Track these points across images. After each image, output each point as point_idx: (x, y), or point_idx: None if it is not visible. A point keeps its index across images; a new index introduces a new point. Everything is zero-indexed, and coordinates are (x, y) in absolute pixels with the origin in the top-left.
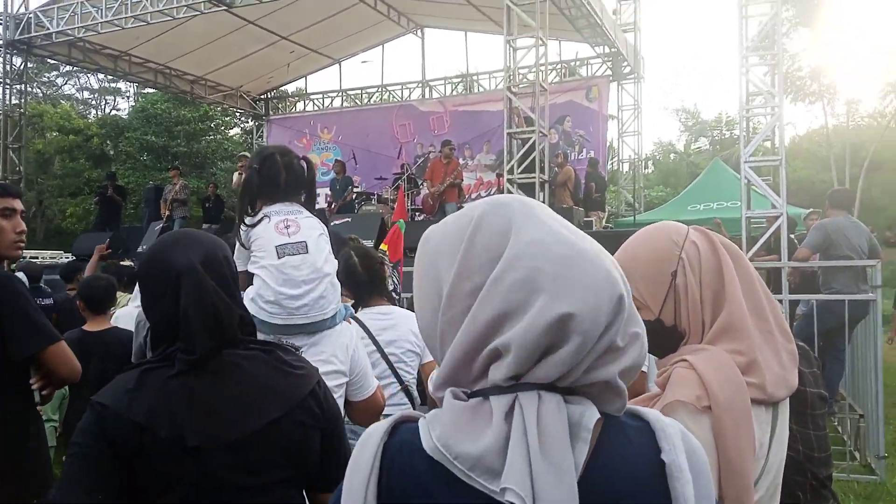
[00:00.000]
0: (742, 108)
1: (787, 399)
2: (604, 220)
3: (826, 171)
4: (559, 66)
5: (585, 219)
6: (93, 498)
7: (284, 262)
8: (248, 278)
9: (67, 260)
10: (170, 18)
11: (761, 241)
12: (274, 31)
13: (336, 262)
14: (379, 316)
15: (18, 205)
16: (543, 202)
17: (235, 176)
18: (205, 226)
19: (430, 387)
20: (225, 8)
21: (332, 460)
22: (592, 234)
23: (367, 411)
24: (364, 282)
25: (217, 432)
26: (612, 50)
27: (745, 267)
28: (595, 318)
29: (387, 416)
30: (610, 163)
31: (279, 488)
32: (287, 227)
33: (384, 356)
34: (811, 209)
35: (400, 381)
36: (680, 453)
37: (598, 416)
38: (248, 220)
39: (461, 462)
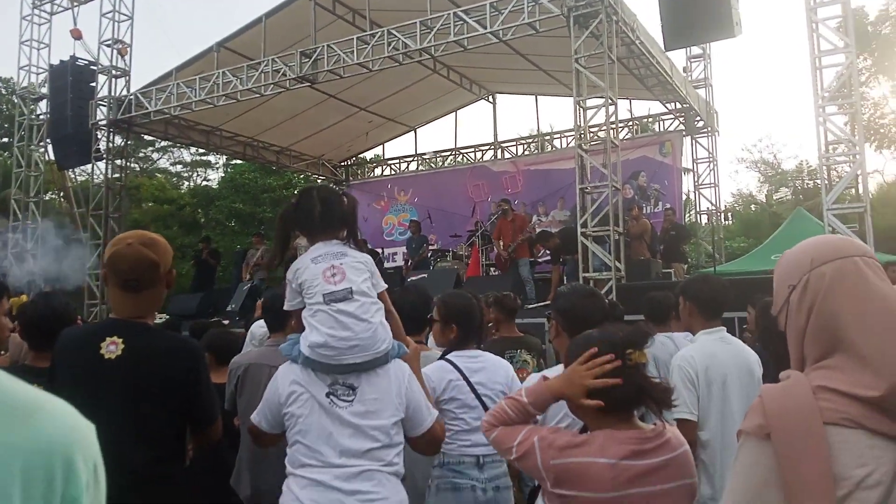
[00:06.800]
0: (821, 157)
1: None
2: (684, 272)
3: None
4: (631, 122)
5: (664, 270)
6: None
7: (332, 307)
8: (299, 315)
9: (163, 320)
10: (258, 96)
11: None
12: (353, 103)
13: (381, 304)
14: (470, 359)
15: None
16: (620, 254)
17: None
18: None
19: None
20: (308, 84)
21: None
22: (671, 284)
23: (427, 444)
24: (476, 327)
25: None
26: (685, 106)
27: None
28: None
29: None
30: (687, 215)
31: None
32: (333, 275)
33: (478, 397)
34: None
35: None
36: None
37: None
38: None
39: None
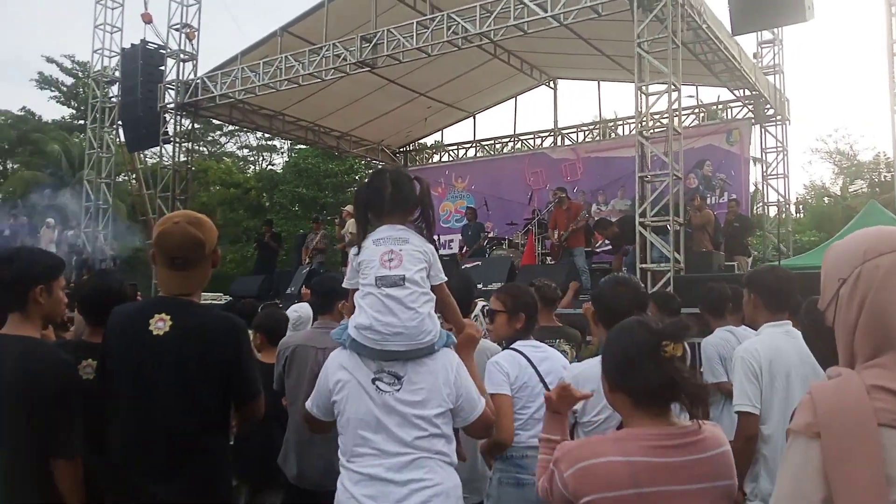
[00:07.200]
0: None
1: None
2: (748, 266)
3: None
4: (697, 110)
5: (727, 263)
6: None
7: (382, 291)
8: (350, 297)
9: (227, 301)
10: (319, 80)
11: None
12: (412, 89)
13: (432, 295)
14: (534, 349)
15: None
16: (680, 245)
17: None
18: (343, 268)
19: None
20: (368, 69)
21: None
22: (732, 277)
23: (479, 429)
24: (534, 318)
25: None
26: (754, 93)
27: None
28: None
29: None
30: (755, 207)
31: None
32: (390, 260)
33: (546, 386)
34: None
35: None
36: None
37: None
38: (360, 246)
39: None
